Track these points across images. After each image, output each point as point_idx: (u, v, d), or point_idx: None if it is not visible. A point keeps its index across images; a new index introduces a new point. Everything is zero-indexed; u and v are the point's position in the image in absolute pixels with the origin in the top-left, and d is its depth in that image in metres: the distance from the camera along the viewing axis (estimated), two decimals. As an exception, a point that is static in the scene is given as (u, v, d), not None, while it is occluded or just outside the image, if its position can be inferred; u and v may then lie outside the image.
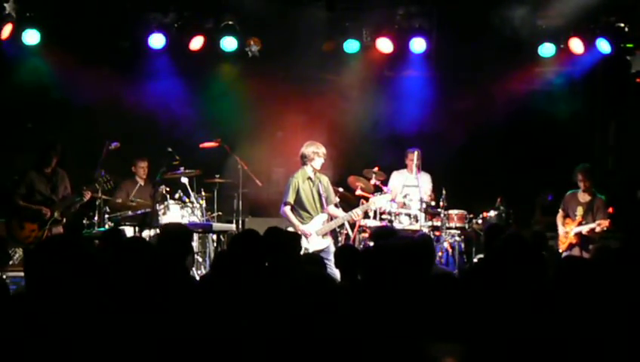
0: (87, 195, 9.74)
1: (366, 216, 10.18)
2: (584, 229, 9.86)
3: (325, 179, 9.50)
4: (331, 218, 9.39)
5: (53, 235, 9.06)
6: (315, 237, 9.16)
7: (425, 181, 10.86)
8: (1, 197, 10.11)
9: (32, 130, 11.73)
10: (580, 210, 10.02)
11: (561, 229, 10.18)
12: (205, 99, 11.95)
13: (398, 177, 10.99)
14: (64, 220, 9.75)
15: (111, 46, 11.28)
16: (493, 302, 4.37)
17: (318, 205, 9.33)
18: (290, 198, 9.23)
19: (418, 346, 3.99)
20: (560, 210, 10.29)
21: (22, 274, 3.67)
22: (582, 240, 9.92)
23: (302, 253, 7.81)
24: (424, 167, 10.96)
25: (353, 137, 11.68)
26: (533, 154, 11.81)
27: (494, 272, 4.80)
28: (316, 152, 9.26)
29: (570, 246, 9.98)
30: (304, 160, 9.32)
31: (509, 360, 4.00)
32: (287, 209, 9.26)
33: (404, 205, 10.55)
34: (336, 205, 9.66)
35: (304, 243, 8.84)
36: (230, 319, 4.14)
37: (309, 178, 9.32)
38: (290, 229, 8.96)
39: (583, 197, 10.09)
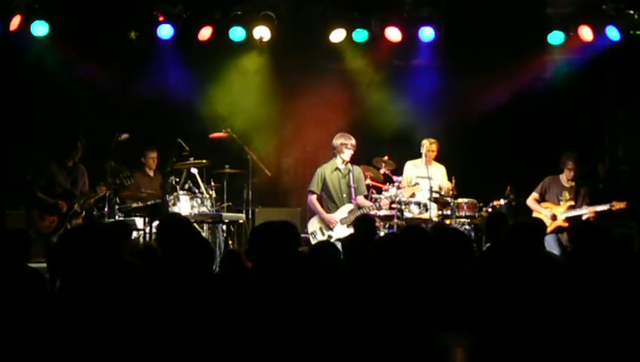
0: (102, 191, 9.71)
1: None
2: (591, 211, 9.53)
3: (357, 170, 9.59)
4: (360, 208, 9.42)
5: (72, 227, 8.99)
6: (340, 226, 9.24)
7: (438, 173, 10.72)
8: (16, 188, 10.11)
9: (42, 122, 11.74)
10: (566, 194, 9.82)
11: (545, 211, 9.85)
12: (214, 89, 11.94)
13: (411, 167, 10.91)
14: (83, 213, 9.72)
15: (119, 37, 11.27)
16: (502, 290, 4.37)
17: (345, 196, 9.43)
18: (315, 188, 9.40)
19: (428, 335, 3.99)
20: (535, 193, 10.06)
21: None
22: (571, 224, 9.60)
23: (324, 240, 8.04)
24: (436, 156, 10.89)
25: (362, 126, 11.64)
26: (542, 143, 11.75)
27: (501, 261, 4.79)
28: (344, 144, 9.39)
29: (556, 230, 9.70)
30: (334, 151, 9.47)
31: (518, 352, 4.00)
32: (313, 198, 9.49)
33: (413, 195, 10.52)
34: (366, 196, 9.75)
35: (329, 231, 9.30)
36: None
37: (338, 168, 9.40)
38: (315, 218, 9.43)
39: (567, 182, 9.94)
